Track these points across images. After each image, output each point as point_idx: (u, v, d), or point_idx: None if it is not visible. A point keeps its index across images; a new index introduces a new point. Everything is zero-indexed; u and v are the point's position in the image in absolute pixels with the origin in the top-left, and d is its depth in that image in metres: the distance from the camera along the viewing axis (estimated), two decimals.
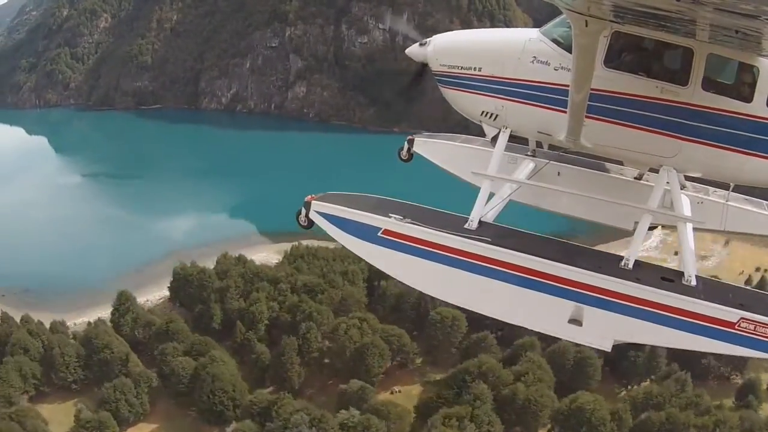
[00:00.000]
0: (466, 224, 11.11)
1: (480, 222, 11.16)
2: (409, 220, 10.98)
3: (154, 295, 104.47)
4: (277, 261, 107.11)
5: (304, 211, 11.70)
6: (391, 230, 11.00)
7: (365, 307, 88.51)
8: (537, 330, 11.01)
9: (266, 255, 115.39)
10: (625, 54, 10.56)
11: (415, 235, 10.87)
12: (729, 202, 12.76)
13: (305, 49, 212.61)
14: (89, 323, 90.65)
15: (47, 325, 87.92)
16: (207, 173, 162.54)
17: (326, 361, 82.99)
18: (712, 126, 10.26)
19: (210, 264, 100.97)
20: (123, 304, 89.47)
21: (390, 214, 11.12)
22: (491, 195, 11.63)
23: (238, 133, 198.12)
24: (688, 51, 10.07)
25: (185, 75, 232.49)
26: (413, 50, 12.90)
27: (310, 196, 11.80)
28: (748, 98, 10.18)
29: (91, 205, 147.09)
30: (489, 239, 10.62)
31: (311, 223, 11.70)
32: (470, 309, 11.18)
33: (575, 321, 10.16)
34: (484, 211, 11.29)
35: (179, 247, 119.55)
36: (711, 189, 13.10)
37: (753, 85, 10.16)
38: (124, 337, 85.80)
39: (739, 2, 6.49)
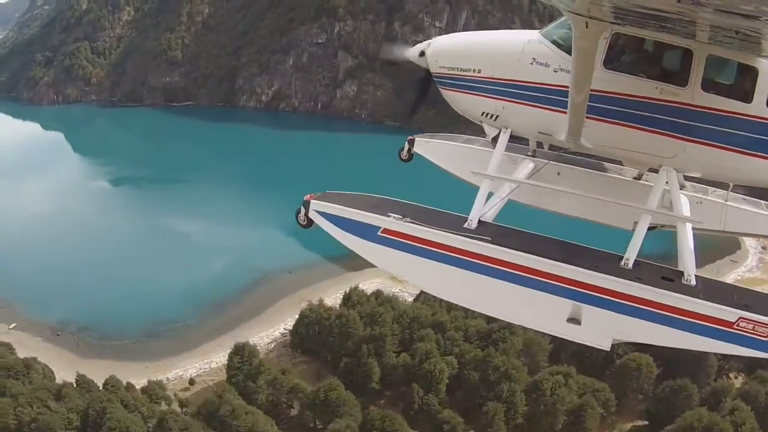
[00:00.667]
0: (466, 223, 11.06)
1: (479, 221, 11.12)
2: (408, 219, 10.94)
3: (260, 336, 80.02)
4: (398, 291, 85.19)
5: (303, 210, 11.68)
6: (391, 229, 10.96)
7: (549, 355, 72.84)
8: (535, 329, 10.90)
9: (380, 282, 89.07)
10: (625, 55, 10.57)
11: (414, 234, 10.83)
12: (728, 202, 12.69)
13: (355, 47, 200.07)
14: (190, 382, 70.28)
15: (127, 381, 65.37)
16: (258, 176, 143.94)
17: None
18: (712, 126, 10.23)
19: (329, 298, 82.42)
20: (240, 354, 67.35)
21: (389, 213, 11.08)
22: (491, 195, 11.57)
23: (282, 133, 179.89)
24: (688, 52, 10.05)
25: (219, 71, 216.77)
26: (412, 52, 12.85)
27: (309, 195, 11.76)
28: (747, 99, 10.13)
29: (138, 215, 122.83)
30: (488, 238, 10.59)
31: (311, 222, 11.66)
32: (469, 308, 11.14)
33: (574, 320, 10.13)
34: (483, 210, 11.26)
35: (260, 271, 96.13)
36: (710, 189, 13.04)
37: (753, 86, 10.10)
38: (253, 403, 63.84)
39: (739, 3, 6.44)
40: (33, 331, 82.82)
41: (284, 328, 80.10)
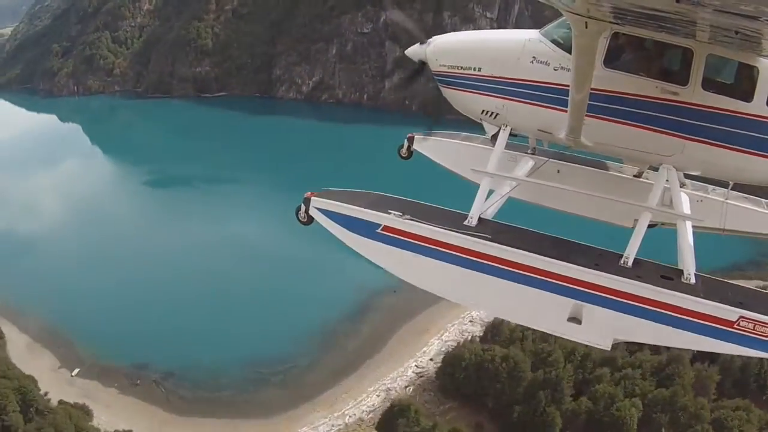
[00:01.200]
0: (466, 221, 11.10)
1: (480, 219, 11.18)
2: (408, 217, 10.98)
3: (391, 378, 65.61)
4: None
5: (303, 207, 11.75)
6: (391, 227, 11.02)
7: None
8: (536, 328, 10.80)
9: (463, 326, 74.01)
10: (625, 55, 10.61)
11: (414, 232, 10.88)
12: (728, 200, 12.74)
13: (403, 37, 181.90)
14: None
15: None
16: (320, 176, 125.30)
17: None
18: (712, 125, 10.28)
19: (453, 324, 70.14)
20: (404, 415, 53.87)
21: (389, 211, 11.15)
22: (491, 192, 11.65)
23: (327, 125, 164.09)
24: (688, 51, 10.10)
25: (254, 61, 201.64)
26: (413, 50, 12.90)
27: (309, 193, 11.84)
28: (747, 98, 10.19)
29: (201, 223, 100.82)
30: (489, 236, 10.63)
31: (311, 219, 11.74)
32: (469, 306, 12.30)
33: (574, 319, 10.12)
34: (483, 208, 11.34)
35: (360, 291, 77.53)
36: (710, 187, 13.11)
37: (753, 85, 10.16)
38: None
39: (738, 3, 6.46)
40: (104, 379, 64.40)
41: (416, 366, 66.46)
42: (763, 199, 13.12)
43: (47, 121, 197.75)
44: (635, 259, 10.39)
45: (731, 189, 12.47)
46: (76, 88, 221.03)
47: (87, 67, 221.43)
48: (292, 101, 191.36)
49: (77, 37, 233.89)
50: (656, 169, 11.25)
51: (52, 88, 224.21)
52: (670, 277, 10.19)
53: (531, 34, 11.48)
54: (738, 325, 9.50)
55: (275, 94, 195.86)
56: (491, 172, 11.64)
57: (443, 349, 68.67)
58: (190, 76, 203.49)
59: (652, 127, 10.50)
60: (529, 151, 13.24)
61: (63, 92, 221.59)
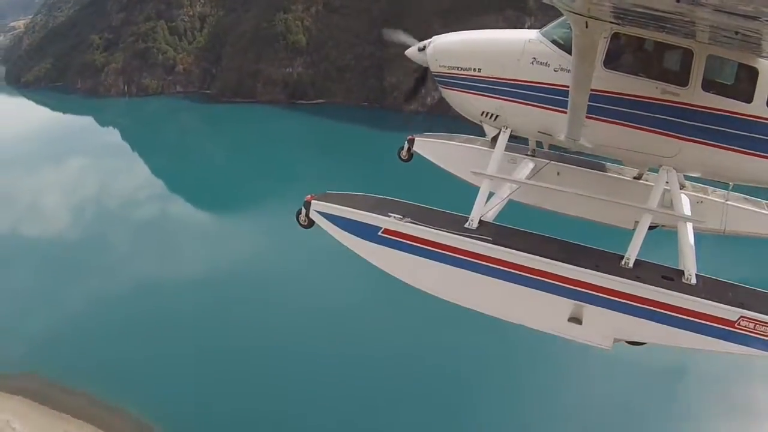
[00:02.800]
0: (467, 223, 11.16)
1: (480, 221, 11.22)
2: (409, 220, 11.07)
3: None
4: None
5: (304, 210, 11.80)
6: (391, 229, 11.10)
7: None
8: (536, 329, 10.80)
9: None
10: (625, 55, 10.64)
11: (415, 234, 10.96)
12: (728, 202, 12.86)
13: None
14: None
15: None
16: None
17: None
18: (712, 126, 10.34)
19: None
20: None
21: (390, 214, 11.21)
22: (491, 194, 11.69)
23: None
24: (688, 52, 10.15)
25: (360, 63, 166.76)
26: (412, 53, 12.93)
27: (309, 196, 11.92)
28: (748, 99, 10.24)
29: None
30: (489, 238, 10.71)
31: (311, 222, 11.79)
32: (470, 308, 10.98)
33: (575, 319, 10.21)
34: (484, 210, 11.37)
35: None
36: (710, 189, 13.23)
37: (753, 86, 10.20)
38: None
39: (738, 3, 6.48)
40: None
41: None
42: (763, 200, 13.19)
43: (98, 129, 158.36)
44: (636, 260, 10.45)
45: (731, 190, 12.51)
46: (126, 87, 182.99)
47: (141, 63, 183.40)
48: (413, 114, 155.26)
49: (122, 27, 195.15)
50: (656, 171, 11.22)
51: (97, 87, 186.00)
52: (671, 277, 10.26)
53: (531, 35, 11.47)
54: (739, 324, 9.60)
55: (385, 104, 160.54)
56: (491, 174, 11.65)
57: None
58: (280, 78, 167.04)
59: (652, 128, 10.52)
60: (529, 153, 13.36)
61: (111, 92, 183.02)
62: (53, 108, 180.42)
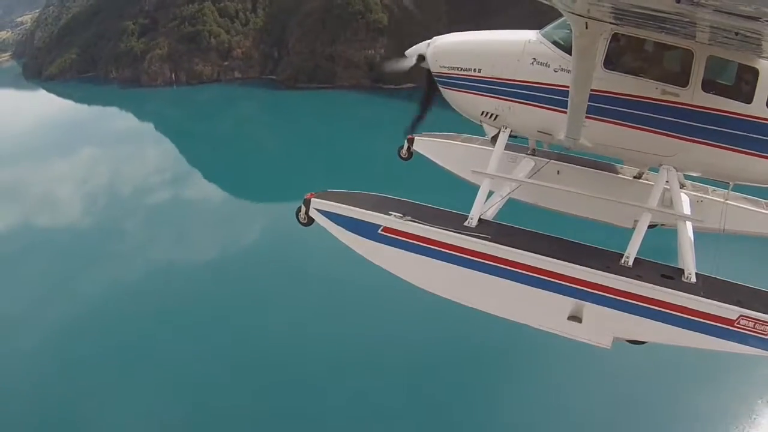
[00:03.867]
0: (466, 222, 11.15)
1: (480, 219, 11.22)
2: (409, 218, 11.04)
3: None
4: None
5: (303, 208, 11.77)
6: (391, 228, 11.08)
7: None
8: (536, 327, 10.79)
9: None
10: (626, 55, 10.63)
11: (415, 233, 10.94)
12: (728, 201, 12.82)
13: None
14: None
15: None
16: None
17: None
18: (712, 127, 10.33)
19: None
20: None
21: (390, 212, 11.19)
22: (491, 193, 11.71)
23: None
24: (688, 53, 10.14)
25: None
26: (413, 52, 12.86)
27: (310, 194, 11.88)
28: (747, 99, 10.22)
29: None
30: (489, 236, 10.70)
31: (311, 220, 11.77)
32: (469, 306, 10.98)
33: (575, 318, 10.20)
34: (484, 209, 11.37)
35: None
36: (710, 188, 13.22)
37: (753, 87, 10.19)
38: None
39: (738, 4, 6.43)
40: None
41: None
42: (762, 200, 13.19)
43: (155, 125, 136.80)
44: (636, 259, 10.44)
45: (731, 190, 12.44)
46: (173, 75, 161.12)
47: (190, 48, 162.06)
48: None
49: (158, 11, 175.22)
50: (656, 170, 11.23)
51: (138, 76, 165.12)
52: (671, 276, 10.25)
53: (531, 35, 11.44)
54: (738, 323, 9.60)
55: None
56: (491, 173, 11.63)
57: None
58: (362, 60, 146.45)
59: (652, 128, 10.51)
60: (529, 153, 13.33)
61: (157, 81, 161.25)
62: (91, 102, 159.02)
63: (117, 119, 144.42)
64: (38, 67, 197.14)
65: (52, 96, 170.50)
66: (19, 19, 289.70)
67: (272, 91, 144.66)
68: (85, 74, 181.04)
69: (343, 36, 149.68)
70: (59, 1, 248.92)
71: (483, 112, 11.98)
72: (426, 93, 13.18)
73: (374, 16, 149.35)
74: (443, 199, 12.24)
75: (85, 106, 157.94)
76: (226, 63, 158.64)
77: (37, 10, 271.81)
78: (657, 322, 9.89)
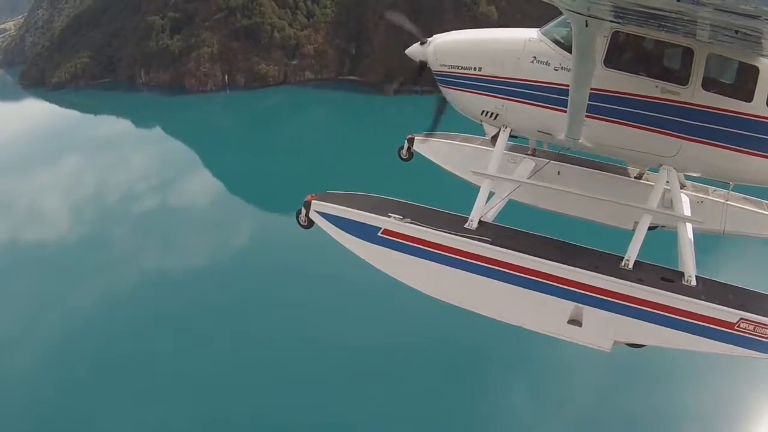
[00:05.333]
0: (466, 224, 11.05)
1: (480, 222, 11.11)
2: (408, 220, 10.97)
3: None
4: None
5: (303, 210, 11.70)
6: (391, 230, 11.00)
7: None
8: (536, 330, 10.68)
9: None
10: (626, 54, 10.58)
11: (414, 235, 10.88)
12: (729, 202, 12.75)
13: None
14: None
15: None
16: None
17: None
18: (713, 126, 10.25)
19: None
20: None
21: (390, 214, 11.10)
22: (491, 194, 11.58)
23: None
24: (689, 51, 10.08)
25: None
26: (413, 50, 12.77)
27: (310, 196, 11.79)
28: (748, 98, 10.14)
29: None
30: (489, 239, 10.61)
31: (311, 222, 11.70)
32: (469, 309, 10.84)
33: (575, 321, 10.17)
34: (484, 210, 11.25)
35: None
36: (711, 189, 13.10)
37: (753, 85, 10.11)
38: None
39: (739, 2, 6.35)
40: None
41: None
42: (763, 201, 13.06)
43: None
44: (636, 262, 10.38)
45: (732, 190, 12.40)
46: (226, 77, 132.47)
47: (248, 45, 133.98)
48: None
49: (191, 2, 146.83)
50: (656, 171, 11.16)
51: (178, 79, 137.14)
52: (671, 279, 10.19)
53: (531, 34, 11.35)
54: (738, 326, 9.54)
55: None
56: (491, 174, 11.51)
57: None
58: None
59: (652, 127, 10.45)
60: (529, 153, 13.22)
61: (207, 85, 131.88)
62: (123, 113, 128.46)
63: (172, 141, 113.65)
64: (39, 74, 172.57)
65: (71, 111, 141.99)
66: (1, 26, 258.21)
67: (357, 95, 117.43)
68: (100, 80, 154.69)
69: (442, 31, 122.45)
70: (49, 3, 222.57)
71: (483, 111, 11.85)
72: (442, 101, 12.93)
73: (482, 9, 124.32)
74: (443, 201, 12.20)
75: (121, 121, 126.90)
76: (294, 62, 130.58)
77: (20, 16, 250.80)
78: (657, 326, 9.81)
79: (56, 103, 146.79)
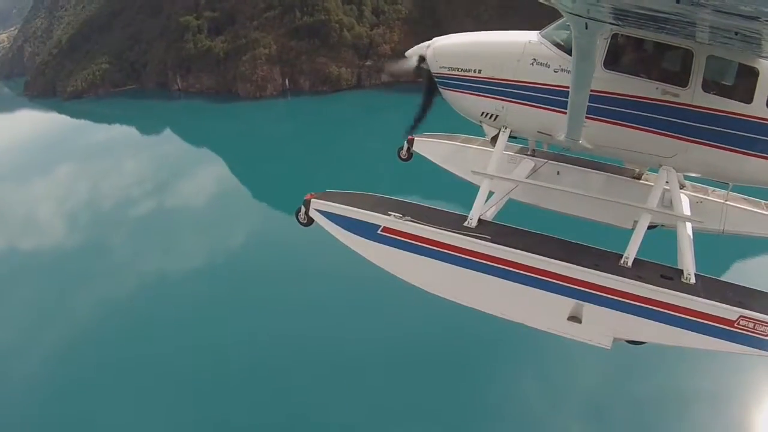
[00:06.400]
0: (466, 222, 11.06)
1: (479, 220, 11.13)
2: (408, 218, 10.95)
3: None
4: None
5: (303, 209, 11.70)
6: (391, 228, 10.99)
7: None
8: (536, 327, 10.66)
9: None
10: (625, 56, 10.57)
11: (414, 233, 10.85)
12: (728, 202, 12.78)
13: None
14: None
15: None
16: None
17: None
18: (712, 127, 10.25)
19: None
20: None
21: (389, 212, 11.08)
22: (491, 194, 11.63)
23: None
24: (688, 53, 10.07)
25: None
26: (413, 53, 12.71)
27: (309, 195, 11.80)
28: (747, 99, 10.13)
29: None
30: (488, 237, 10.61)
31: (311, 221, 11.70)
32: (469, 306, 10.85)
33: (574, 318, 10.15)
34: (483, 209, 11.28)
35: None
36: (710, 189, 13.10)
37: (753, 87, 10.09)
38: None
39: (738, 4, 6.32)
40: None
41: None
42: (762, 201, 13.05)
43: None
44: (635, 260, 10.38)
45: (731, 190, 12.45)
46: (286, 81, 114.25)
47: (312, 45, 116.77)
48: None
49: (223, 0, 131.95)
50: (656, 171, 11.17)
51: (227, 85, 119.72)
52: (670, 277, 10.18)
53: (531, 36, 11.34)
54: (738, 324, 9.49)
55: None
56: (491, 173, 11.53)
57: None
58: None
59: (652, 129, 10.44)
60: (528, 153, 13.27)
61: (266, 91, 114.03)
62: (176, 125, 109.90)
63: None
64: (47, 84, 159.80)
65: (99, 125, 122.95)
66: None
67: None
68: (123, 87, 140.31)
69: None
70: (47, 11, 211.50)
71: (483, 113, 11.82)
72: (426, 93, 12.87)
73: None
74: (443, 200, 12.43)
75: (170, 134, 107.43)
76: (368, 63, 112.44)
77: (13, 28, 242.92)
78: (657, 323, 9.79)
79: (80, 116, 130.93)
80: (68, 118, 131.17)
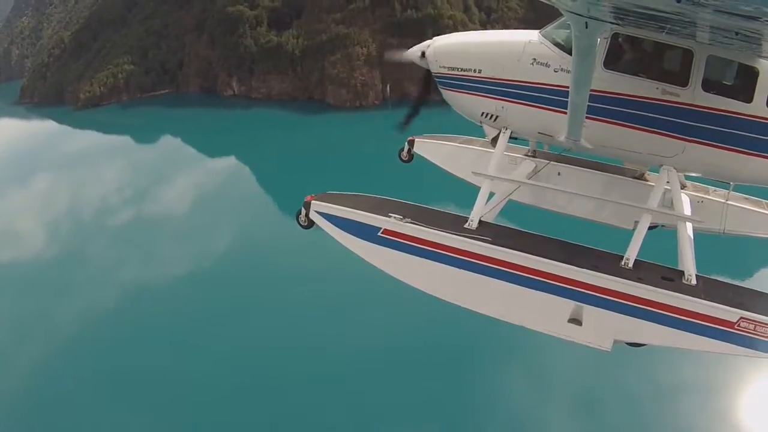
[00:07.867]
0: (467, 224, 11.13)
1: (480, 222, 11.18)
2: (409, 220, 11.02)
3: None
4: None
5: (303, 211, 11.75)
6: (391, 230, 11.06)
7: None
8: (536, 329, 10.72)
9: None
10: (626, 55, 10.63)
11: (415, 235, 10.93)
12: (729, 202, 12.79)
13: None
14: None
15: None
16: None
17: None
18: (713, 127, 10.30)
19: None
20: None
21: (390, 214, 11.16)
22: (492, 195, 11.66)
23: None
24: (688, 52, 10.13)
25: None
26: (413, 52, 12.81)
27: (310, 196, 11.82)
28: (748, 99, 10.20)
29: None
30: (489, 239, 10.66)
31: (311, 222, 11.75)
32: (469, 308, 10.91)
33: (575, 320, 10.18)
34: (484, 210, 11.31)
35: None
36: (711, 188, 13.13)
37: (753, 86, 10.16)
38: None
39: (739, 4, 6.38)
40: None
41: None
42: (763, 200, 13.06)
43: None
44: (636, 261, 10.39)
45: (732, 190, 12.47)
46: (388, 88, 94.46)
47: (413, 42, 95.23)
48: None
49: None
50: (657, 171, 11.21)
51: (310, 90, 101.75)
52: (671, 278, 10.20)
53: (531, 36, 11.40)
54: (739, 325, 9.54)
55: None
56: (492, 174, 11.56)
57: None
58: None
59: (652, 128, 10.48)
60: (529, 154, 13.30)
61: (367, 99, 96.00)
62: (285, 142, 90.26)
63: None
64: (51, 90, 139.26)
65: (140, 146, 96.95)
66: None
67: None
68: (154, 92, 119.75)
69: None
70: (33, 9, 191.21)
71: (483, 113, 11.87)
72: (421, 91, 13.03)
73: None
74: (444, 201, 12.27)
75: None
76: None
77: None
78: (657, 325, 9.83)
79: (106, 129, 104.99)
80: (92, 133, 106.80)
